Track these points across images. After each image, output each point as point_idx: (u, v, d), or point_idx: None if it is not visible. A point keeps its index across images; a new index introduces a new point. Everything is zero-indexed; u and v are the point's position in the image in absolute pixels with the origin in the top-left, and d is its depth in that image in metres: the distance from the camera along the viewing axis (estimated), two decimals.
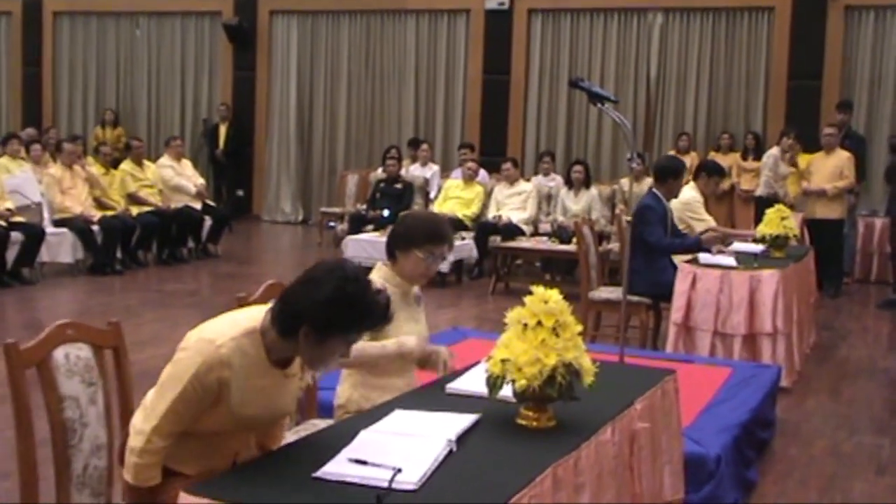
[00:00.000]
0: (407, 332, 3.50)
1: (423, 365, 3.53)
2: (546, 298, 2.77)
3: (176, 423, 2.51)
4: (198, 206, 11.12)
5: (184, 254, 10.95)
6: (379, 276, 3.53)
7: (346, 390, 3.56)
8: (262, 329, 2.55)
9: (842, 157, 9.84)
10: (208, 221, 11.16)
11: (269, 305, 2.60)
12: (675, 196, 6.99)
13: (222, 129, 14.85)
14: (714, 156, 11.86)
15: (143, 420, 2.53)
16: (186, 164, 11.56)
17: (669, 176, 6.89)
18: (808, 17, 12.14)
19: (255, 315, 2.59)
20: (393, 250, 3.55)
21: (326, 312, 2.44)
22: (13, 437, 2.60)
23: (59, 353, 2.74)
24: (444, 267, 8.98)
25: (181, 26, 15.75)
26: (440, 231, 3.55)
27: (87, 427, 2.77)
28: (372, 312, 2.51)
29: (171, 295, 9.08)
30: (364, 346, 3.37)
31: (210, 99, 15.62)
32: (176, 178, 11.14)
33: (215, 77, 15.62)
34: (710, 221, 7.71)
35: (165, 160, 11.32)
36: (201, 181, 11.56)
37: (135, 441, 2.52)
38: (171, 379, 2.50)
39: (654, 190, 6.93)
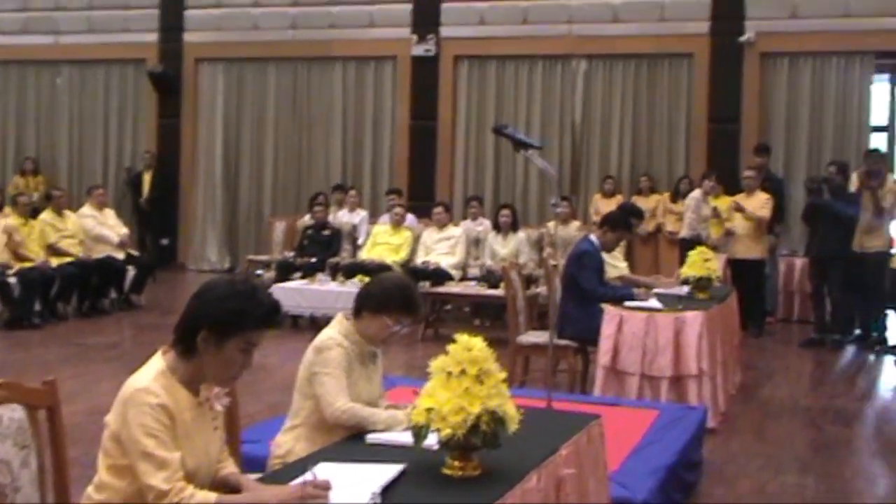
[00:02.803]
0: (360, 392, 3.47)
1: None
2: (469, 346, 2.77)
3: (169, 456, 2.55)
4: (120, 255, 10.90)
5: (105, 305, 10.71)
6: (337, 331, 3.52)
7: (289, 441, 3.51)
8: (169, 367, 2.66)
9: (761, 198, 10.08)
10: (131, 271, 10.95)
11: (161, 350, 2.71)
12: (608, 249, 7.04)
13: (146, 177, 14.66)
14: (636, 199, 12.07)
15: (149, 477, 2.50)
16: (109, 214, 11.35)
17: (605, 224, 6.98)
18: (726, 64, 12.46)
19: (153, 364, 2.69)
20: (361, 308, 3.53)
21: (220, 309, 2.60)
22: None
23: None
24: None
25: (104, 74, 15.56)
26: (415, 302, 3.56)
27: (18, 492, 2.66)
28: (262, 304, 2.65)
29: (92, 349, 8.85)
30: (356, 406, 3.35)
31: (134, 147, 15.42)
32: (98, 228, 10.93)
33: (139, 125, 15.44)
34: (623, 268, 7.82)
35: (87, 210, 11.10)
36: (125, 230, 11.35)
37: (165, 500, 2.50)
38: (134, 432, 2.53)
39: (591, 236, 6.99)
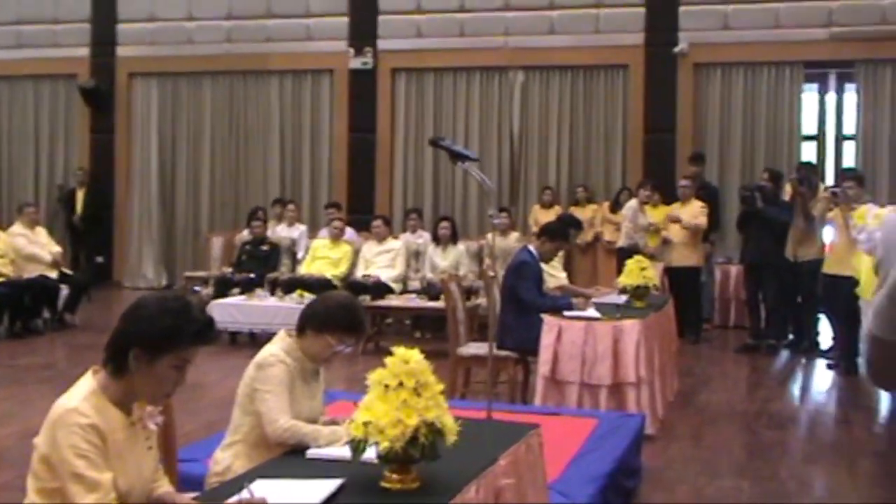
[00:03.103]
0: (301, 409, 3.44)
1: None
2: (407, 358, 2.76)
3: (100, 477, 2.50)
4: (53, 274, 10.69)
5: (39, 325, 10.48)
6: (280, 347, 3.49)
7: (227, 458, 3.47)
8: (100, 387, 2.61)
9: (696, 206, 10.25)
10: (65, 290, 10.74)
11: (92, 369, 2.66)
12: (546, 259, 7.08)
13: (80, 195, 14.42)
14: (574, 209, 12.17)
15: (80, 499, 2.46)
16: (41, 232, 11.12)
17: (543, 235, 7.02)
18: (661, 74, 12.65)
19: (83, 384, 2.63)
20: (305, 326, 3.51)
21: (151, 328, 2.56)
22: None
23: None
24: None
25: (34, 90, 15.29)
26: (359, 322, 3.55)
27: None
28: (195, 320, 2.61)
29: (25, 370, 8.65)
30: (297, 424, 3.32)
31: (66, 163, 15.17)
32: (29, 247, 10.69)
33: (71, 141, 15.19)
34: (563, 278, 7.86)
35: (18, 228, 10.86)
36: (57, 249, 11.13)
37: None
38: (64, 453, 2.48)
39: (530, 246, 7.03)
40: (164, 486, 2.80)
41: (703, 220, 10.16)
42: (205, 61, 14.36)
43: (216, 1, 14.33)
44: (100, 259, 14.66)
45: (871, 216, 8.42)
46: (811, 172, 9.92)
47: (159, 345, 2.57)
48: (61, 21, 14.97)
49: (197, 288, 11.81)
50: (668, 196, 10.88)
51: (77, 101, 14.87)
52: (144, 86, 14.86)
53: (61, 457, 2.48)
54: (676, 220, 10.11)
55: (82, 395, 2.58)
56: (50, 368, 8.99)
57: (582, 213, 11.75)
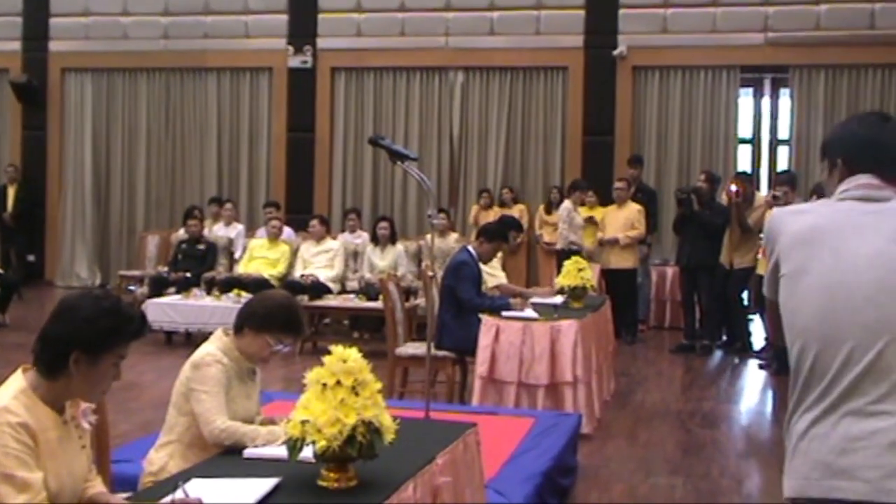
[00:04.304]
0: (238, 409, 3.42)
1: None
2: (345, 357, 2.75)
3: (31, 477, 2.45)
4: None
5: None
6: (217, 347, 3.47)
7: (162, 458, 3.44)
8: (30, 386, 2.56)
9: (632, 209, 10.36)
10: None
11: (21, 368, 2.61)
12: (485, 260, 7.12)
13: (10, 192, 14.12)
14: (501, 211, 12.17)
15: (10, 500, 2.41)
16: None
17: (482, 235, 7.06)
18: (600, 77, 12.77)
19: (13, 382, 2.59)
20: (243, 325, 3.49)
21: (92, 329, 2.53)
22: None
23: None
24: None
25: None
26: (298, 322, 3.53)
27: None
28: (132, 318, 2.62)
29: None
30: (234, 424, 3.30)
31: None
32: None
33: (2, 137, 14.87)
34: (502, 278, 7.89)
35: None
36: None
37: None
38: None
39: (469, 247, 7.06)
40: (97, 487, 2.76)
41: (640, 229, 10.29)
42: (140, 57, 14.15)
43: None
44: (31, 258, 14.38)
45: None
46: (747, 182, 10.06)
47: (102, 346, 2.55)
48: None
49: (132, 287, 11.63)
50: (606, 198, 10.97)
51: (8, 96, 14.56)
52: (78, 81, 14.59)
53: None
54: (614, 243, 10.24)
55: (12, 394, 2.53)
56: None
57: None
